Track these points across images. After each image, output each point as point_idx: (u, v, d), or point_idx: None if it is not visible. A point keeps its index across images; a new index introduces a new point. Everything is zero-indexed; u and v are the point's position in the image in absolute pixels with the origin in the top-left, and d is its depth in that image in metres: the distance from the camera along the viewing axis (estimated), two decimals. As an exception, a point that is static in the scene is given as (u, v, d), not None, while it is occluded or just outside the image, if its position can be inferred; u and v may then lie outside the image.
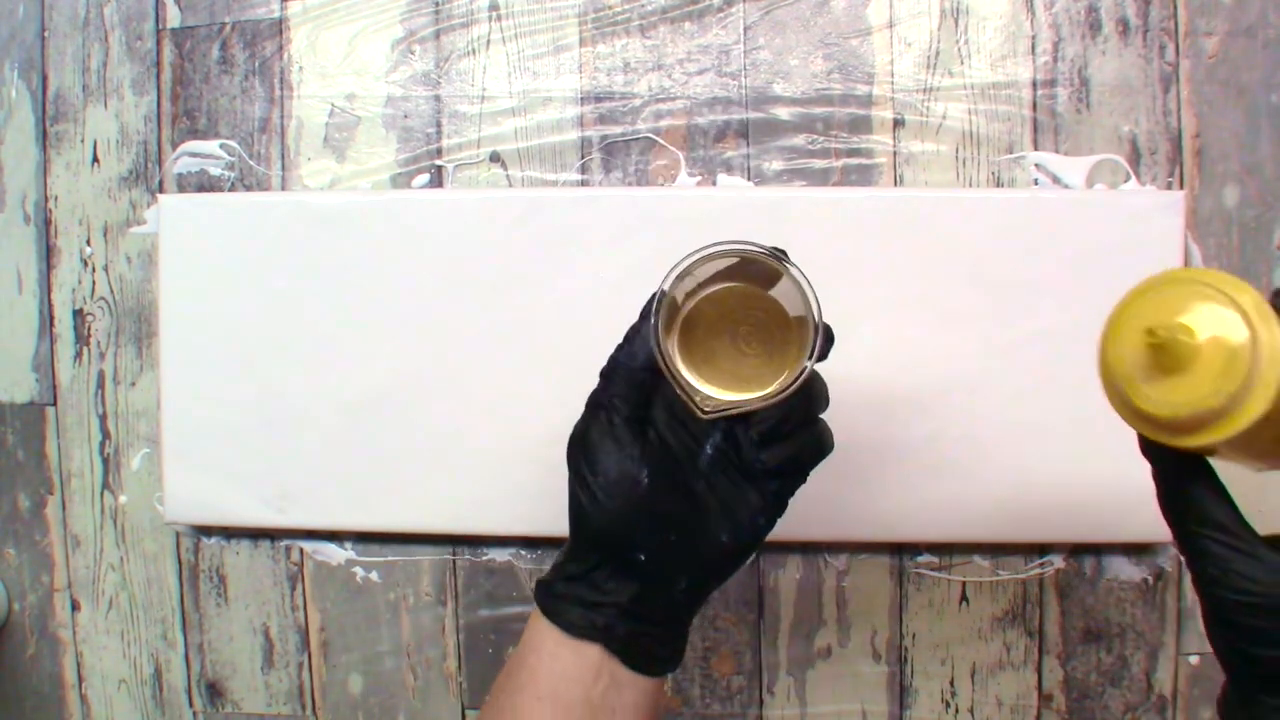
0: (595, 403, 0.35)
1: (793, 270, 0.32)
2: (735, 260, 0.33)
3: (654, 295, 0.33)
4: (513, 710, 0.34)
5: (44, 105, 0.59)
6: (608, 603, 0.34)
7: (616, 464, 0.34)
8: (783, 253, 0.32)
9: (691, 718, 0.56)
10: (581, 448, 0.35)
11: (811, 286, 0.31)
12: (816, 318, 0.31)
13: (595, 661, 0.34)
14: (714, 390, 0.34)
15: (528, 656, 0.35)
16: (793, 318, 0.34)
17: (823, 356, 0.32)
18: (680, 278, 0.32)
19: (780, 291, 0.33)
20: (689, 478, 0.34)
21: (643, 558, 0.34)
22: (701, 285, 0.34)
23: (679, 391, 0.32)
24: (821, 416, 0.35)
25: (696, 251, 0.32)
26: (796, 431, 0.34)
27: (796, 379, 0.31)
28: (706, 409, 0.32)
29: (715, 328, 0.34)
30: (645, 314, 0.34)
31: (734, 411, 0.32)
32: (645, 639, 0.35)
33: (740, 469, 0.34)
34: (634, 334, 0.35)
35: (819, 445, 0.35)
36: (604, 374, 0.36)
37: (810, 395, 0.34)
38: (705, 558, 0.35)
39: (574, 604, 0.34)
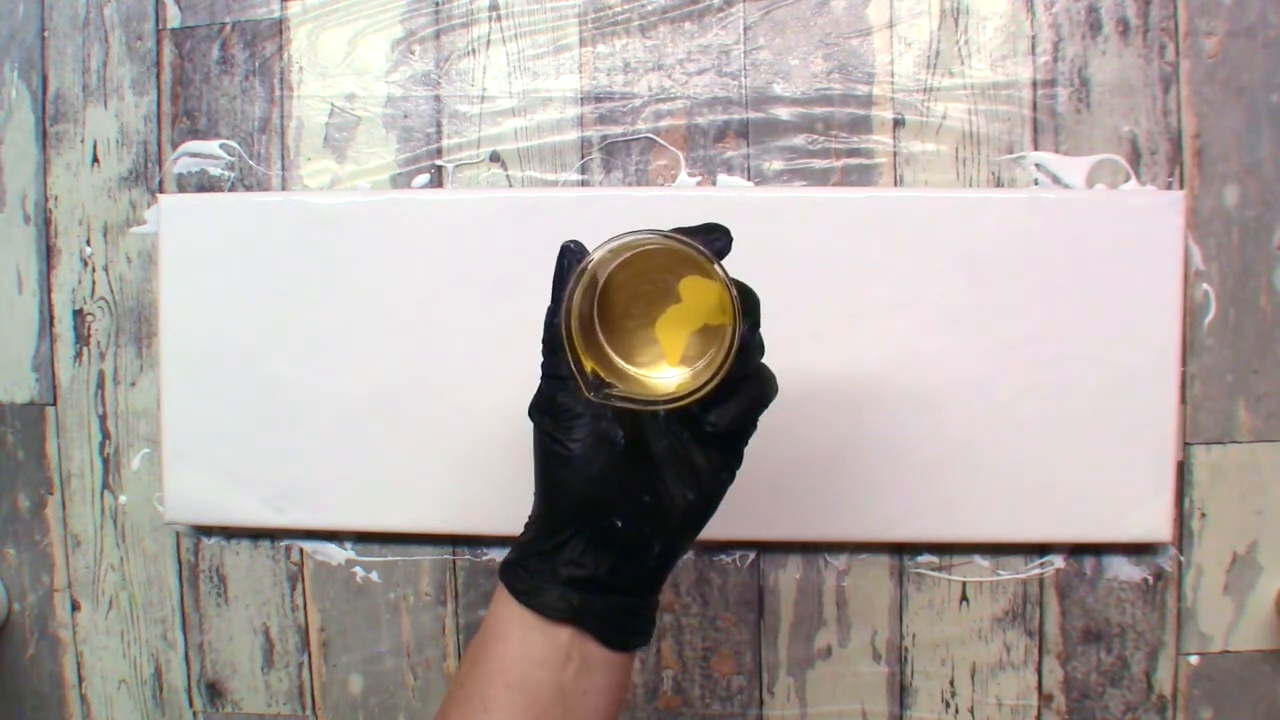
0: (552, 371, 0.35)
1: (719, 272, 0.30)
2: (668, 246, 0.31)
3: (565, 255, 0.33)
4: (482, 699, 0.34)
5: (44, 105, 0.59)
6: (584, 577, 0.34)
7: (591, 426, 0.33)
8: (725, 236, 0.32)
9: (691, 718, 0.56)
10: (551, 414, 0.34)
11: (736, 291, 0.30)
12: (736, 323, 0.30)
13: (566, 644, 0.34)
14: (622, 363, 0.33)
15: (494, 644, 0.35)
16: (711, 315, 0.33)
17: (737, 368, 0.31)
18: (605, 258, 0.32)
19: (710, 284, 0.32)
20: (651, 437, 0.34)
21: (620, 524, 0.33)
22: (632, 257, 0.33)
23: (571, 366, 0.31)
24: (763, 361, 0.35)
25: (626, 235, 0.31)
26: (739, 387, 0.33)
27: (694, 393, 0.31)
28: (595, 393, 0.31)
29: (631, 301, 0.33)
30: (560, 278, 0.34)
31: (622, 405, 0.31)
32: (620, 613, 0.35)
33: (691, 427, 0.34)
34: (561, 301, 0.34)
35: (763, 395, 0.34)
36: (547, 342, 0.35)
37: (745, 353, 0.33)
38: (674, 519, 0.35)
39: (549, 582, 0.34)
